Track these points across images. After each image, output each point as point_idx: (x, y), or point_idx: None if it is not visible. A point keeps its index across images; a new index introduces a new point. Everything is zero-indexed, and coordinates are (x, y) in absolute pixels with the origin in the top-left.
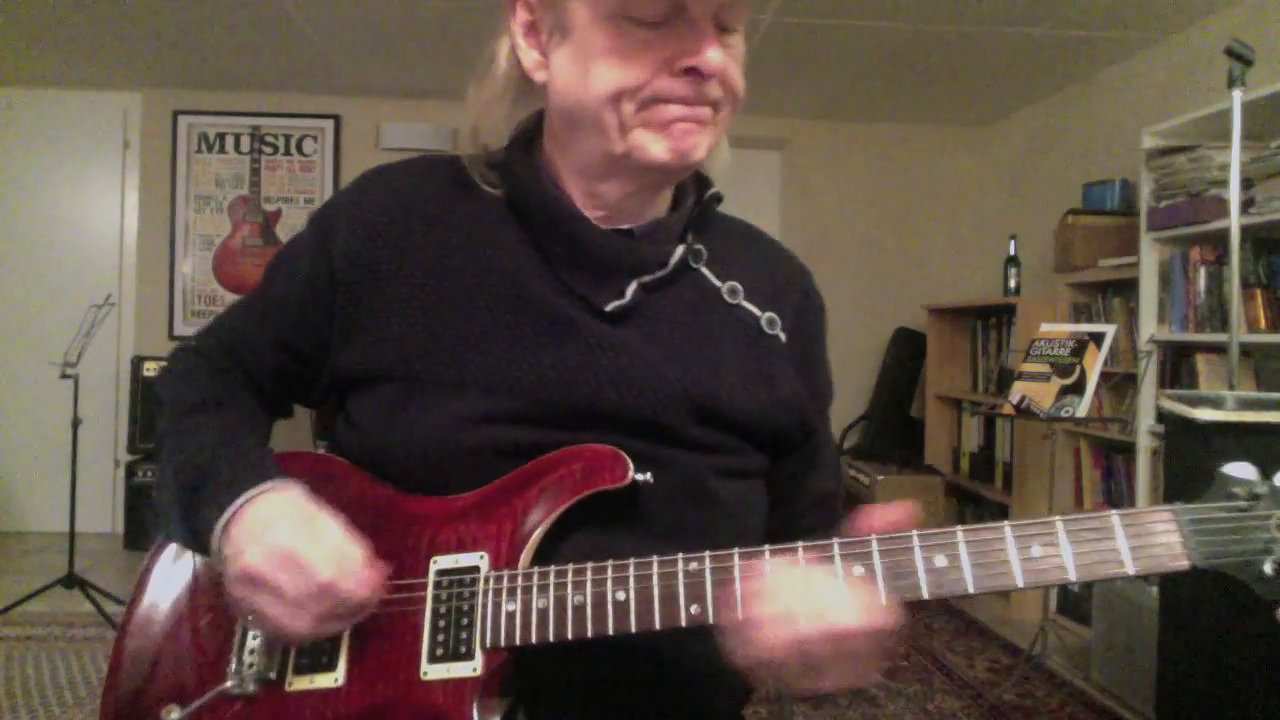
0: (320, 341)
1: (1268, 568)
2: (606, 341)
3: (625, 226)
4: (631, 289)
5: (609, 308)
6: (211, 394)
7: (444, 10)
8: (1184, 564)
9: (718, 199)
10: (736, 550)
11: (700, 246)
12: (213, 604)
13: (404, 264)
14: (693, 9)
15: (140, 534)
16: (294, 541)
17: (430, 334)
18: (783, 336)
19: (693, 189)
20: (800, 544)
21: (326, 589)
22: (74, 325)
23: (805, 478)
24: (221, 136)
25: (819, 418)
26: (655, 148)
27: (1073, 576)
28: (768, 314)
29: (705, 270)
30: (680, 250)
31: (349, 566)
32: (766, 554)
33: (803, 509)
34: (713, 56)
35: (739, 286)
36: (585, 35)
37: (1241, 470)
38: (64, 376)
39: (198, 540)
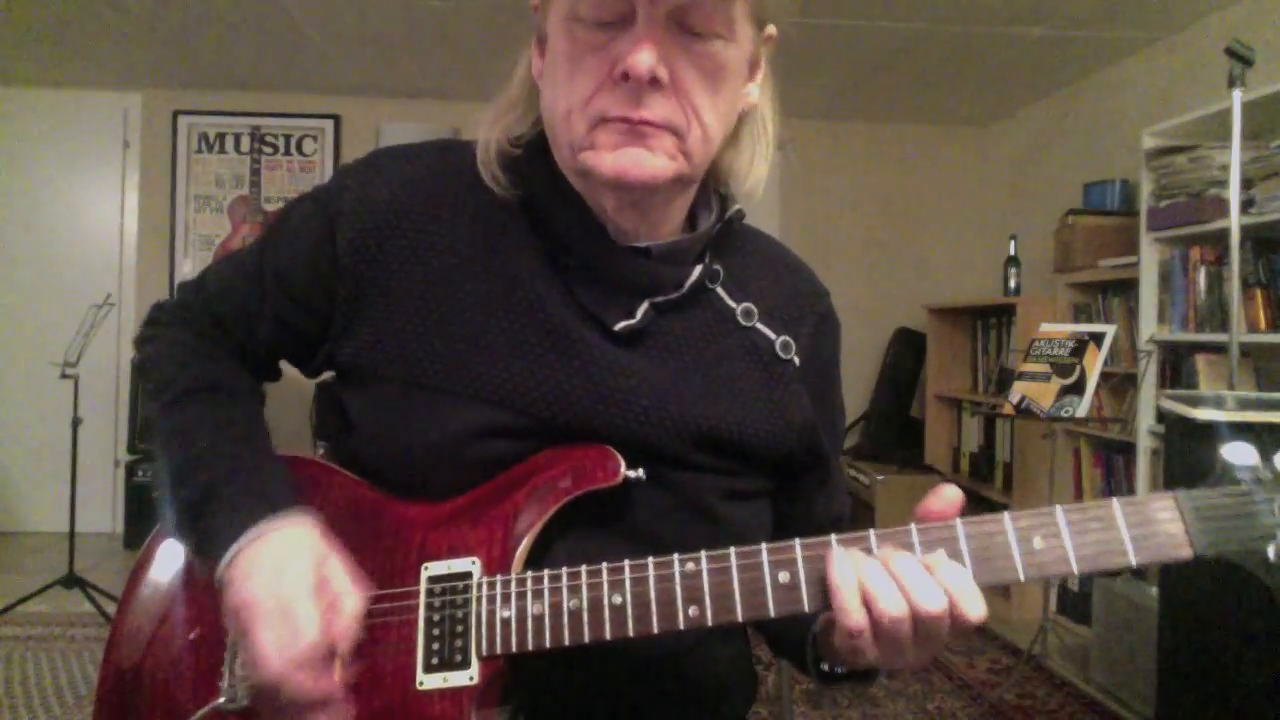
0: (321, 323)
1: (1271, 553)
2: (613, 364)
3: (644, 244)
4: (642, 310)
5: (618, 328)
6: (206, 376)
7: (444, 10)
8: (1187, 553)
9: (740, 216)
10: (733, 550)
11: (718, 267)
12: (203, 615)
13: (413, 262)
14: (640, 8)
15: (140, 534)
16: (296, 594)
17: (434, 338)
18: (797, 361)
19: (715, 205)
20: (798, 541)
21: (301, 663)
22: (74, 325)
23: (813, 500)
24: (221, 136)
25: (830, 443)
26: (601, 166)
27: (1074, 568)
28: (782, 338)
29: (720, 291)
30: (697, 272)
31: (340, 623)
32: (764, 551)
33: (808, 532)
34: (641, 59)
35: (754, 308)
36: (552, 40)
37: (1242, 453)
38: (64, 376)
39: (202, 550)
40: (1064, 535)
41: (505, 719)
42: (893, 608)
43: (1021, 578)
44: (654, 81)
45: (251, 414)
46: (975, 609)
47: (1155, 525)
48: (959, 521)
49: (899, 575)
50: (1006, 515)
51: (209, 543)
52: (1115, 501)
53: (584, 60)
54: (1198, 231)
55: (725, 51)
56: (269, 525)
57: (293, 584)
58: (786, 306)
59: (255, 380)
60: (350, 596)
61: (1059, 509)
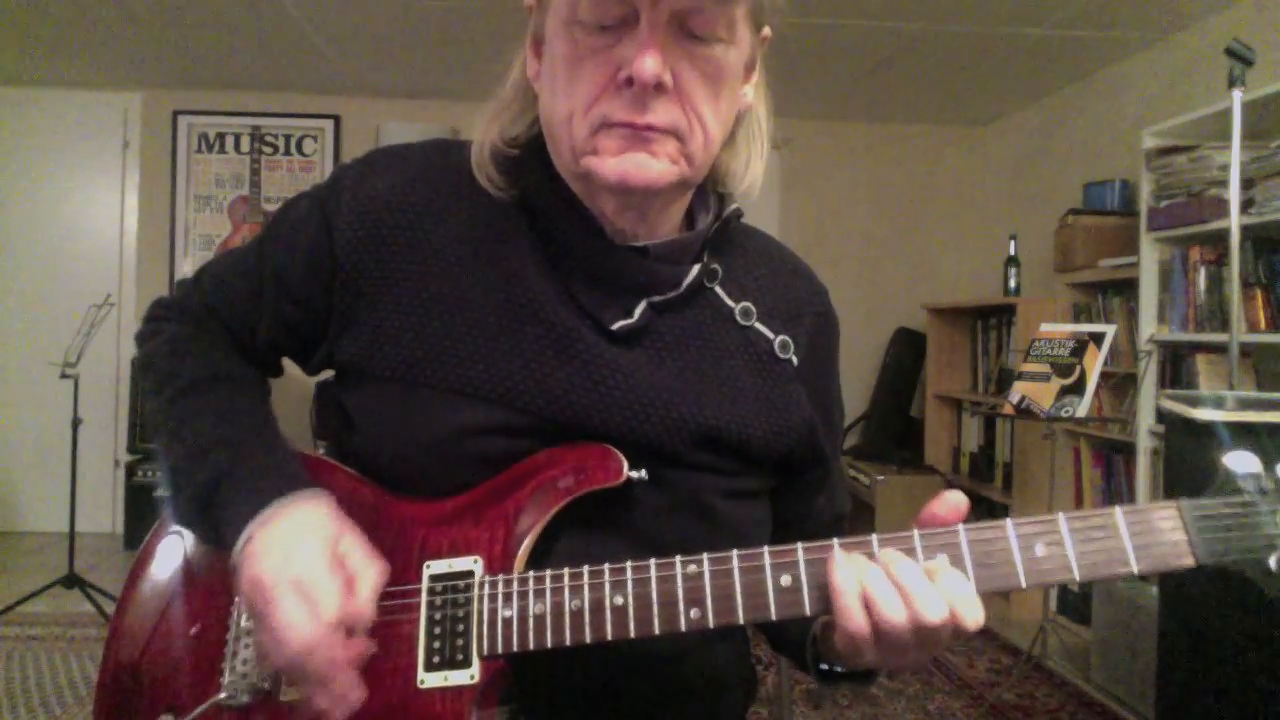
0: (320, 320)
1: (1273, 563)
2: (611, 363)
3: (641, 243)
4: (640, 309)
5: (615, 327)
6: (210, 368)
7: (444, 10)
8: (1189, 561)
9: (738, 215)
10: (735, 552)
11: (716, 266)
12: (203, 611)
13: (410, 260)
14: (643, 12)
15: (140, 534)
16: (313, 569)
17: (432, 337)
18: (795, 360)
19: (713, 204)
20: (800, 544)
21: (322, 637)
22: (74, 325)
23: (813, 499)
24: (221, 136)
25: (829, 442)
26: (603, 171)
27: (1077, 576)
28: (781, 337)
29: (719, 290)
30: (694, 271)
31: (358, 599)
32: (766, 553)
33: (810, 530)
34: (647, 65)
35: (752, 308)
36: (551, 44)
37: (1244, 462)
38: (64, 376)
39: (214, 535)
40: (1067, 543)
41: (505, 718)
42: (894, 614)
43: (1024, 584)
44: (658, 86)
45: (257, 402)
46: (974, 617)
47: (1158, 534)
48: (961, 527)
49: (901, 582)
50: (1009, 522)
51: (222, 528)
52: (1118, 510)
53: (585, 64)
54: (1198, 231)
55: (726, 55)
56: (282, 506)
57: (309, 560)
58: (785, 306)
59: (258, 371)
60: (366, 573)
61: (1062, 516)
